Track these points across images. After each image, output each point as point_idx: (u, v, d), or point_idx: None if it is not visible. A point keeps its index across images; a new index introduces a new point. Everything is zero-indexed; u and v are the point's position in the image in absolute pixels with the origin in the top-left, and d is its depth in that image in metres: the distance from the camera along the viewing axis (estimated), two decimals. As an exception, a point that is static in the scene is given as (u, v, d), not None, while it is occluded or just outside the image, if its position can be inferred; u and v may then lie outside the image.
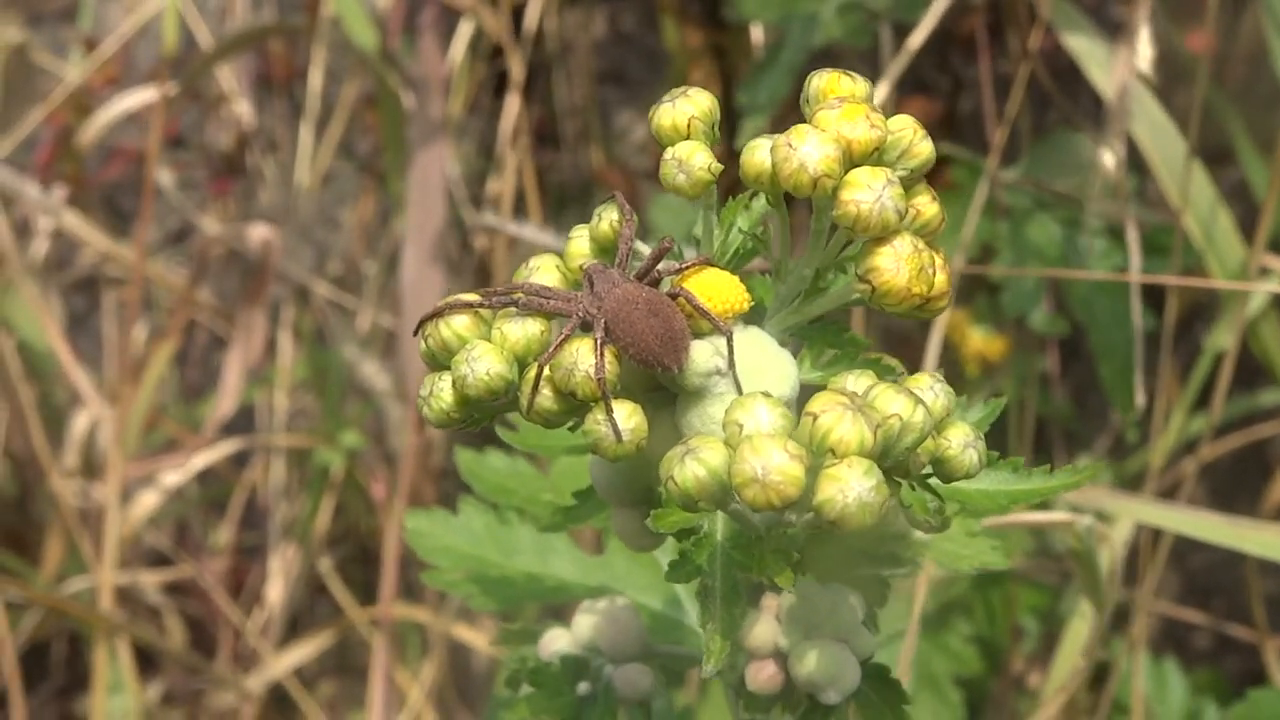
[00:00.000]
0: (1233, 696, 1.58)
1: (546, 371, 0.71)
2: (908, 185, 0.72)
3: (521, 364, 0.72)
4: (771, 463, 0.64)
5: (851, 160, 0.70)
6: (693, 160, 0.73)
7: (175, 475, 2.06)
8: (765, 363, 0.73)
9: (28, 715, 2.02)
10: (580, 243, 0.77)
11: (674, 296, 0.72)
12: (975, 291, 1.95)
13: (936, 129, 2.11)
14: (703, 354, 0.72)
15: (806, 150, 0.69)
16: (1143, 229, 1.78)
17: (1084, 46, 1.71)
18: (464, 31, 2.14)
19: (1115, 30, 1.75)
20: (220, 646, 2.15)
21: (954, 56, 2.14)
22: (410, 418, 1.96)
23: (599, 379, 0.70)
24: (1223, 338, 1.65)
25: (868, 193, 0.69)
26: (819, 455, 0.65)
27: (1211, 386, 1.61)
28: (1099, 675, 1.83)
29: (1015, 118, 1.82)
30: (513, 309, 0.73)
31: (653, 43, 2.28)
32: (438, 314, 0.73)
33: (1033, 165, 1.88)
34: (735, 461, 0.65)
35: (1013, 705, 1.94)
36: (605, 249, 0.76)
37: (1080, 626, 1.69)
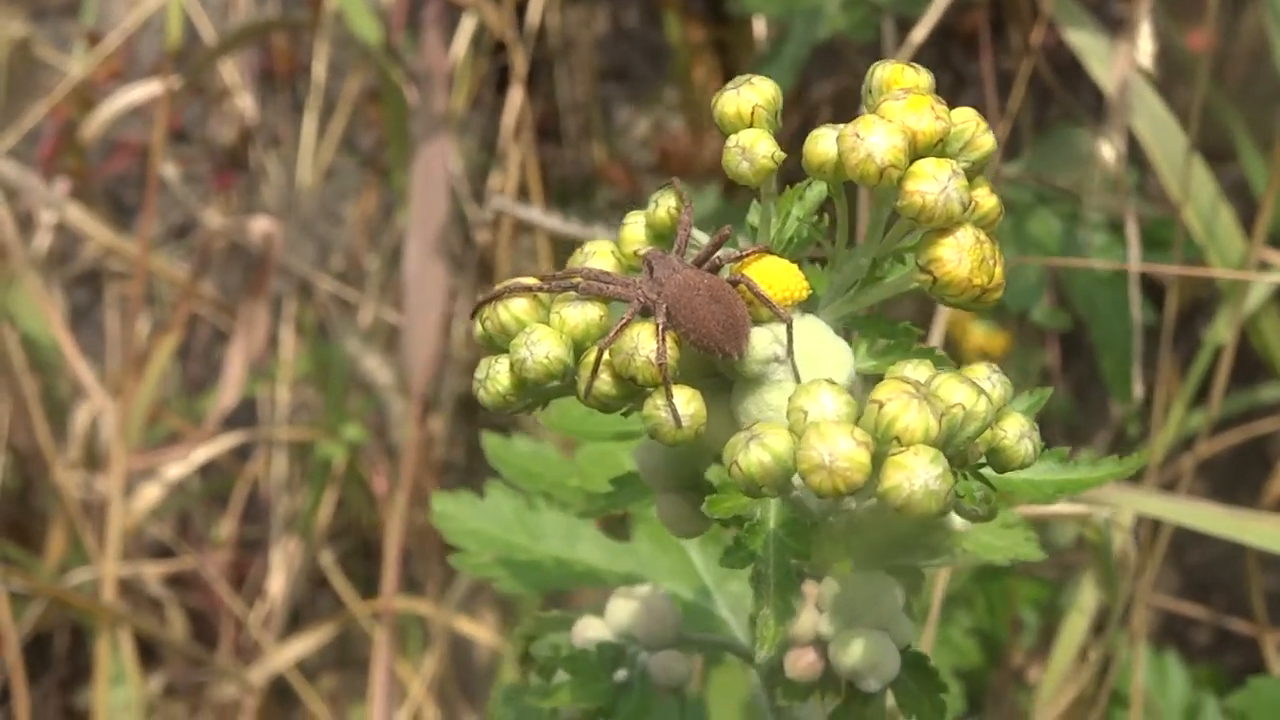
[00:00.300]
0: (1233, 691, 1.58)
1: (606, 356, 0.72)
2: (969, 177, 0.72)
3: (579, 348, 0.73)
4: (839, 449, 0.65)
5: (916, 151, 0.71)
6: (757, 148, 0.73)
7: (177, 468, 2.06)
8: (823, 351, 0.73)
9: (30, 706, 2.02)
10: (635, 229, 0.78)
11: (734, 283, 0.72)
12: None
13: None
14: (762, 341, 0.72)
15: (874, 140, 0.69)
16: (1143, 223, 1.79)
17: (1085, 42, 1.71)
18: (466, 27, 2.15)
19: (1117, 26, 1.76)
20: (222, 639, 2.15)
21: (955, 52, 2.15)
22: (413, 411, 1.96)
23: (660, 364, 0.70)
24: (1222, 332, 1.66)
25: (933, 184, 0.69)
26: (884, 443, 0.66)
27: (1212, 381, 1.62)
28: (1101, 669, 1.84)
29: (1017, 113, 1.83)
30: (571, 293, 0.73)
31: (655, 38, 2.28)
32: (496, 297, 0.74)
33: (1034, 160, 1.89)
34: (801, 448, 0.66)
35: (1012, 698, 1.95)
36: (661, 235, 0.77)
37: (1078, 620, 1.70)
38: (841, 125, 0.71)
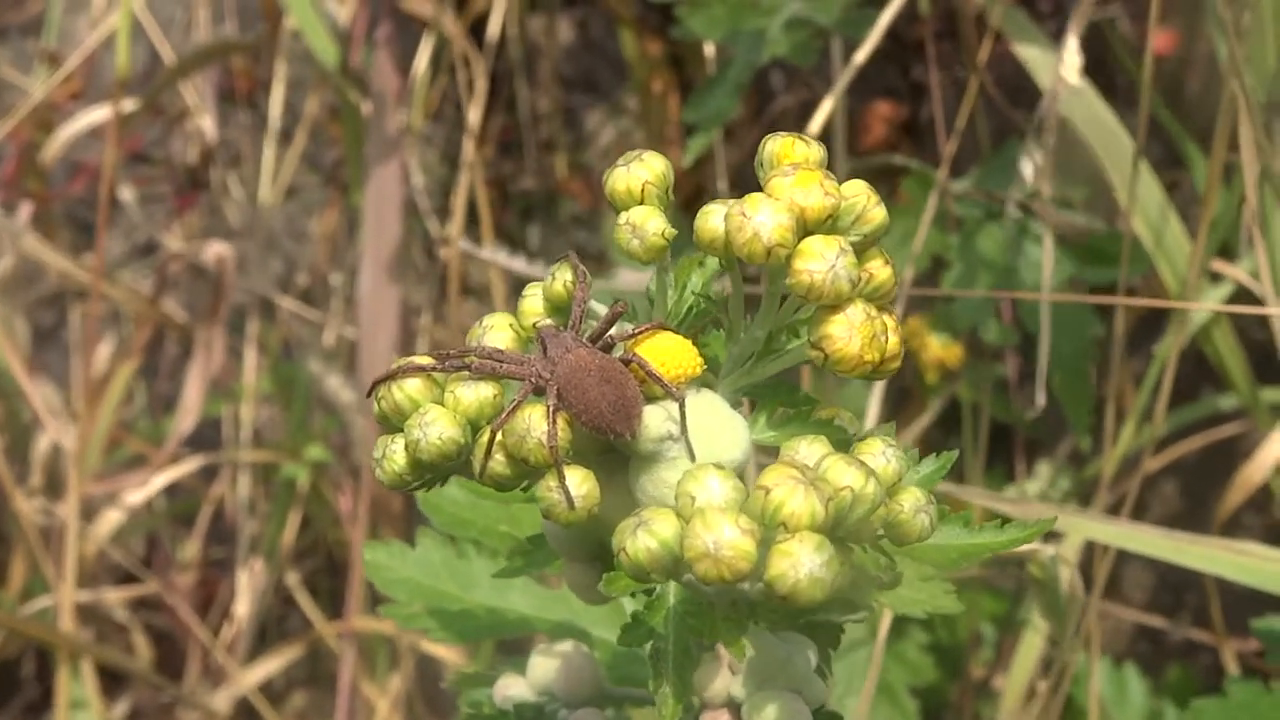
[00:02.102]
0: (1203, 695, 1.58)
1: (499, 437, 0.71)
2: (861, 250, 0.72)
3: (474, 427, 0.73)
4: (724, 538, 0.65)
5: (805, 228, 0.70)
6: (647, 226, 0.73)
7: (138, 492, 2.06)
8: (718, 427, 0.73)
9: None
10: (534, 301, 0.77)
11: (626, 362, 0.72)
12: (934, 298, 1.95)
13: (901, 134, 2.12)
14: (655, 419, 0.72)
15: (760, 219, 0.69)
16: (1092, 236, 1.79)
17: (1034, 55, 1.71)
18: (426, 42, 2.14)
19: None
20: (189, 660, 2.15)
21: (915, 63, 2.15)
22: (376, 430, 1.96)
23: (551, 446, 0.70)
24: (1169, 347, 1.66)
25: (821, 262, 0.69)
26: (771, 529, 0.66)
27: (1172, 391, 1.61)
28: (1057, 680, 1.84)
29: (970, 128, 1.83)
30: (465, 372, 0.73)
31: (619, 49, 2.28)
32: (390, 376, 0.74)
33: (983, 176, 1.89)
34: (688, 535, 0.65)
35: (972, 711, 1.95)
36: (558, 308, 0.77)
37: (1034, 639, 1.70)
38: (732, 201, 0.71)
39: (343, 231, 2.28)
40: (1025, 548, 1.32)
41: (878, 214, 0.73)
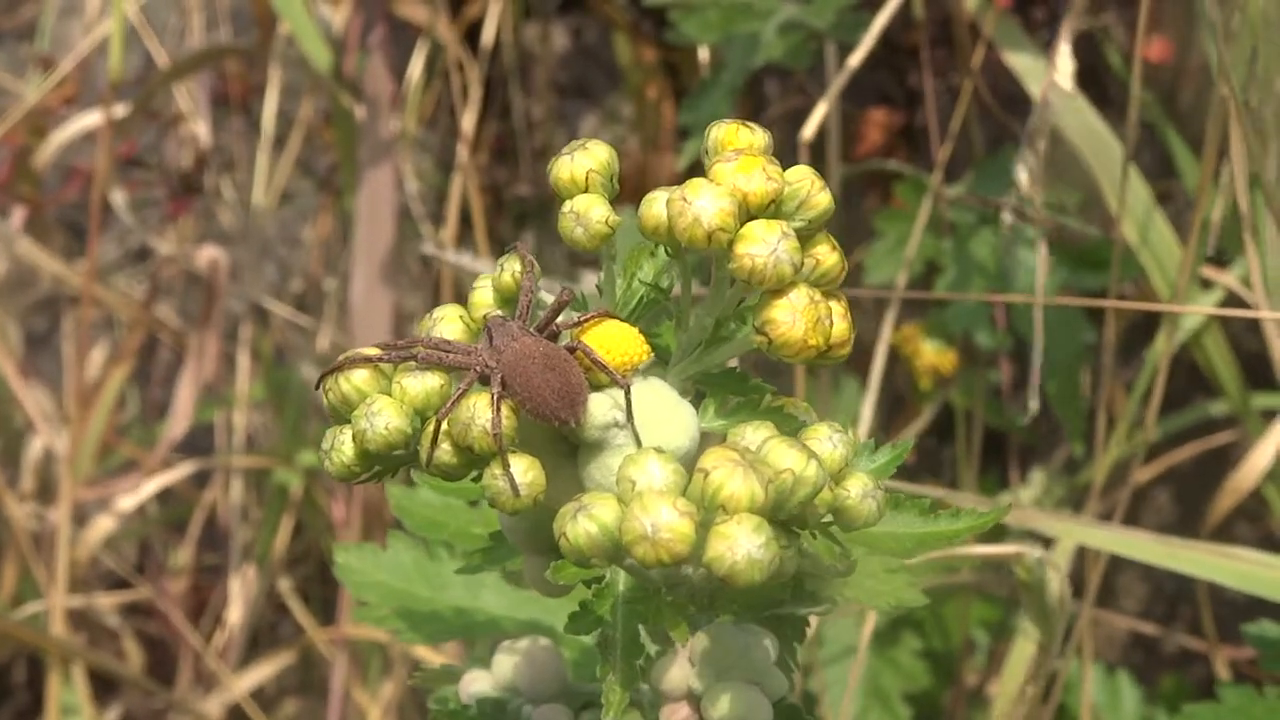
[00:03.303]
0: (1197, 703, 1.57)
1: (445, 426, 0.71)
2: (807, 235, 0.72)
3: (422, 418, 0.72)
4: (661, 520, 0.64)
5: (748, 213, 0.70)
6: (590, 213, 0.73)
7: (130, 498, 2.06)
8: (665, 414, 0.73)
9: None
10: (484, 293, 0.77)
11: (572, 350, 0.72)
12: (927, 305, 1.95)
13: (897, 140, 2.11)
14: (601, 407, 0.72)
15: (701, 204, 0.69)
16: (1083, 243, 1.79)
17: (1024, 63, 1.71)
18: (421, 48, 2.14)
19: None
20: (181, 666, 2.14)
21: (910, 69, 2.14)
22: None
23: (495, 434, 0.70)
24: (1160, 352, 1.65)
25: (762, 246, 0.69)
26: (710, 511, 0.65)
27: (1162, 397, 1.61)
28: (1049, 687, 1.84)
29: (964, 134, 1.82)
30: (412, 363, 0.73)
31: (613, 55, 2.28)
32: (338, 368, 0.74)
33: (977, 181, 1.89)
34: (626, 519, 0.65)
35: (965, 718, 1.94)
36: (509, 299, 0.77)
37: (1026, 646, 1.69)
38: (675, 188, 0.71)
39: (336, 237, 2.27)
40: (1011, 552, 1.32)
41: (822, 199, 0.72)
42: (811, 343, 0.71)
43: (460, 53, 2.15)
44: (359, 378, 0.73)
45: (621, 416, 0.72)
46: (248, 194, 2.24)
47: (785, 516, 0.69)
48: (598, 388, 0.72)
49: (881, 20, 1.65)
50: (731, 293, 0.74)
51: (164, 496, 2.19)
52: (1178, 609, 2.15)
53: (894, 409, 2.07)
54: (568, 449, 0.74)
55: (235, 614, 2.14)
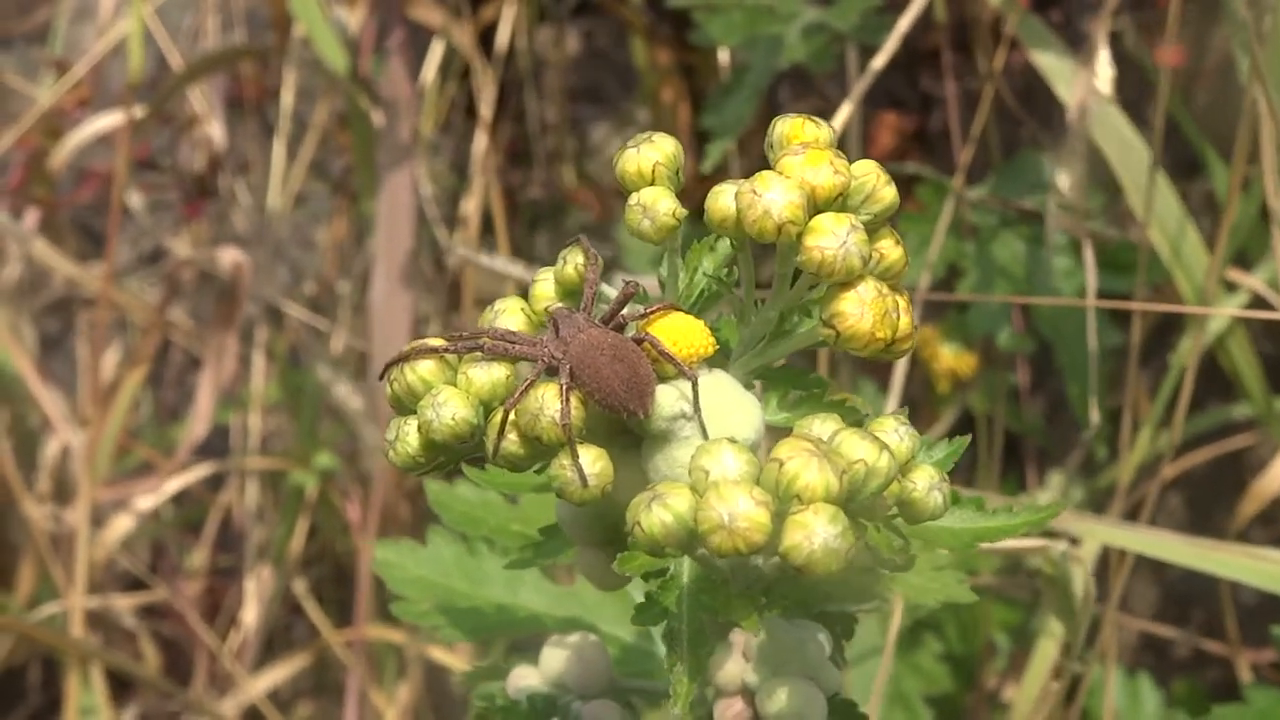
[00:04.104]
0: (1211, 707, 1.58)
1: (512, 416, 0.71)
2: (871, 230, 0.72)
3: (487, 408, 0.73)
4: (738, 509, 0.65)
5: (816, 206, 0.70)
6: (658, 206, 0.73)
7: (148, 499, 2.06)
8: (730, 406, 0.73)
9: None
10: (545, 285, 0.77)
11: (639, 341, 0.72)
12: (945, 308, 1.95)
13: (910, 144, 2.12)
14: (668, 398, 0.72)
15: (771, 197, 0.69)
16: (1108, 245, 1.79)
17: (1051, 63, 1.71)
18: (435, 51, 2.14)
19: (1085, 43, 1.75)
20: (196, 668, 2.14)
21: (924, 74, 2.14)
22: (384, 439, 1.95)
23: (564, 424, 0.70)
24: (1187, 355, 1.66)
25: (832, 239, 0.69)
26: (785, 501, 0.65)
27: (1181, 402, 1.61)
28: (1073, 690, 1.84)
29: (981, 136, 1.82)
30: (478, 354, 0.73)
31: (627, 60, 2.28)
32: (403, 359, 0.74)
33: (999, 184, 1.89)
34: (702, 508, 0.65)
35: (986, 720, 1.94)
36: (570, 292, 0.77)
37: (1049, 646, 1.69)
38: (743, 181, 0.71)
39: (350, 240, 2.27)
40: (1036, 546, 1.32)
41: (888, 193, 0.72)
42: (879, 335, 0.71)
43: (475, 56, 2.15)
44: (424, 368, 0.73)
45: (688, 408, 0.72)
46: (262, 196, 2.24)
47: (856, 507, 0.69)
48: (663, 379, 0.72)
49: (906, 22, 1.66)
50: (796, 286, 0.74)
51: (178, 498, 2.19)
52: (1190, 612, 2.15)
53: (912, 413, 2.07)
54: (629, 440, 0.74)
55: (250, 615, 2.14)
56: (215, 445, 2.23)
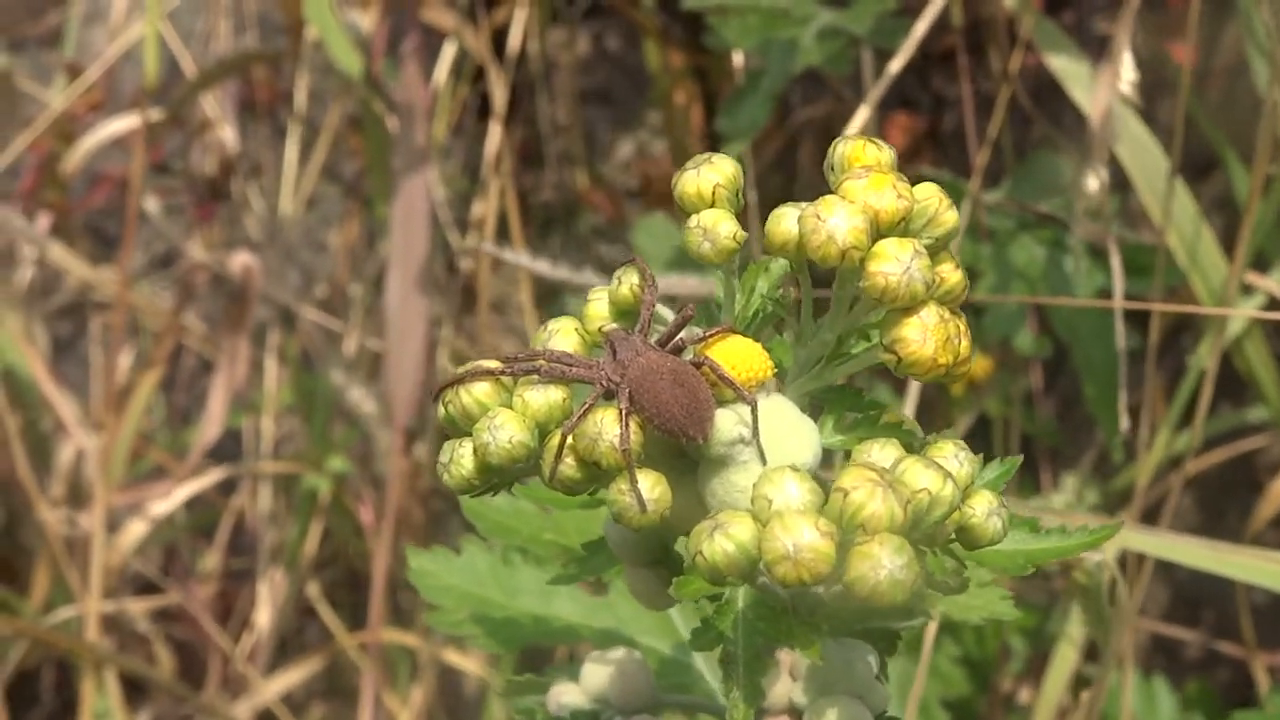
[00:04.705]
0: (1223, 709, 1.58)
1: (570, 440, 0.71)
2: (933, 253, 0.72)
3: (543, 431, 0.72)
4: (803, 540, 0.64)
5: (878, 230, 0.70)
6: (718, 229, 0.72)
7: (162, 503, 2.06)
8: (788, 430, 0.73)
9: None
10: (599, 305, 0.77)
11: (698, 365, 0.72)
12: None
13: (922, 146, 2.11)
14: (727, 422, 0.71)
15: (835, 222, 0.69)
16: (1124, 248, 1.79)
17: (1066, 66, 1.71)
18: (447, 54, 2.14)
19: (1097, 45, 1.75)
20: (210, 672, 2.14)
21: (935, 74, 2.14)
22: (397, 442, 1.96)
23: (624, 449, 0.69)
24: (1205, 357, 1.65)
25: (896, 265, 0.69)
26: (849, 531, 0.65)
27: (1195, 406, 1.61)
28: (1089, 695, 1.84)
29: (996, 138, 1.82)
30: (534, 376, 0.73)
31: (637, 61, 2.28)
32: (459, 380, 0.73)
33: (1015, 187, 1.89)
34: (766, 539, 0.65)
35: (1002, 724, 1.95)
36: (624, 312, 0.76)
37: (1067, 652, 1.69)
38: (804, 204, 0.71)
39: (362, 243, 2.27)
40: (1075, 557, 1.32)
41: (950, 217, 0.72)
42: (941, 361, 0.71)
43: (488, 59, 2.15)
44: (480, 390, 0.73)
45: (747, 433, 0.71)
46: (274, 200, 2.24)
47: (918, 536, 0.69)
48: (722, 403, 0.72)
49: (923, 26, 1.65)
50: (857, 309, 0.73)
51: (191, 502, 2.19)
52: (1199, 613, 2.15)
53: (926, 416, 2.07)
54: (685, 464, 0.74)
55: (264, 618, 2.14)
56: (228, 449, 2.22)
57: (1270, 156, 1.49)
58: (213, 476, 2.11)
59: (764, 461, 0.71)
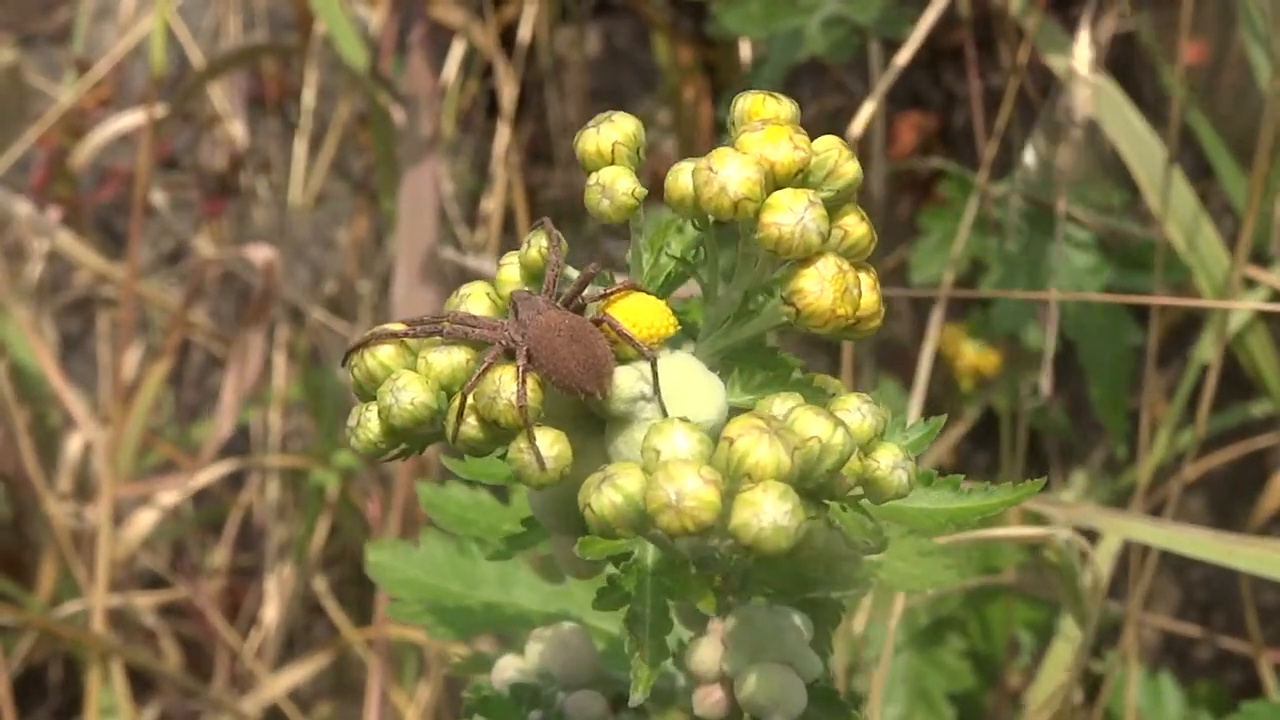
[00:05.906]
0: (1232, 709, 1.56)
1: (470, 400, 0.71)
2: (835, 206, 0.71)
3: (448, 393, 0.72)
4: (686, 488, 0.64)
5: (775, 183, 0.69)
6: (616, 185, 0.72)
7: (170, 497, 2.06)
8: (692, 387, 0.72)
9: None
10: (511, 270, 0.77)
11: (598, 322, 0.71)
12: (969, 306, 1.94)
13: (932, 142, 2.10)
14: (627, 380, 0.71)
15: (727, 173, 0.68)
16: (1129, 244, 1.78)
17: (1064, 65, 1.70)
18: (456, 50, 2.14)
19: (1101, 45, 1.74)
20: (217, 667, 2.14)
21: (946, 71, 2.13)
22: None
23: (521, 406, 0.69)
24: (1207, 351, 1.64)
25: (789, 215, 0.68)
26: (736, 480, 0.65)
27: (1199, 398, 1.60)
28: (1094, 690, 1.82)
29: (1005, 132, 1.81)
30: (438, 338, 0.72)
31: (646, 58, 2.27)
32: (364, 344, 0.73)
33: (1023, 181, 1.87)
34: (650, 487, 0.65)
35: (1008, 719, 1.93)
36: (535, 276, 0.76)
37: (1064, 645, 1.68)
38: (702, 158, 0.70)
39: (371, 239, 2.27)
40: (1041, 534, 1.31)
41: (850, 168, 0.71)
42: (839, 312, 0.70)
43: (496, 55, 2.14)
44: (384, 354, 0.73)
45: (648, 389, 0.71)
46: (283, 195, 2.24)
47: (812, 485, 0.68)
48: (625, 361, 0.72)
49: (930, 17, 1.65)
50: (759, 265, 0.73)
51: (198, 497, 2.19)
52: (1211, 616, 2.13)
53: (934, 411, 2.05)
54: (596, 425, 0.74)
55: (271, 614, 2.14)
56: (236, 444, 2.23)
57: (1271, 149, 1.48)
58: (220, 470, 2.11)
59: (666, 418, 0.71)
